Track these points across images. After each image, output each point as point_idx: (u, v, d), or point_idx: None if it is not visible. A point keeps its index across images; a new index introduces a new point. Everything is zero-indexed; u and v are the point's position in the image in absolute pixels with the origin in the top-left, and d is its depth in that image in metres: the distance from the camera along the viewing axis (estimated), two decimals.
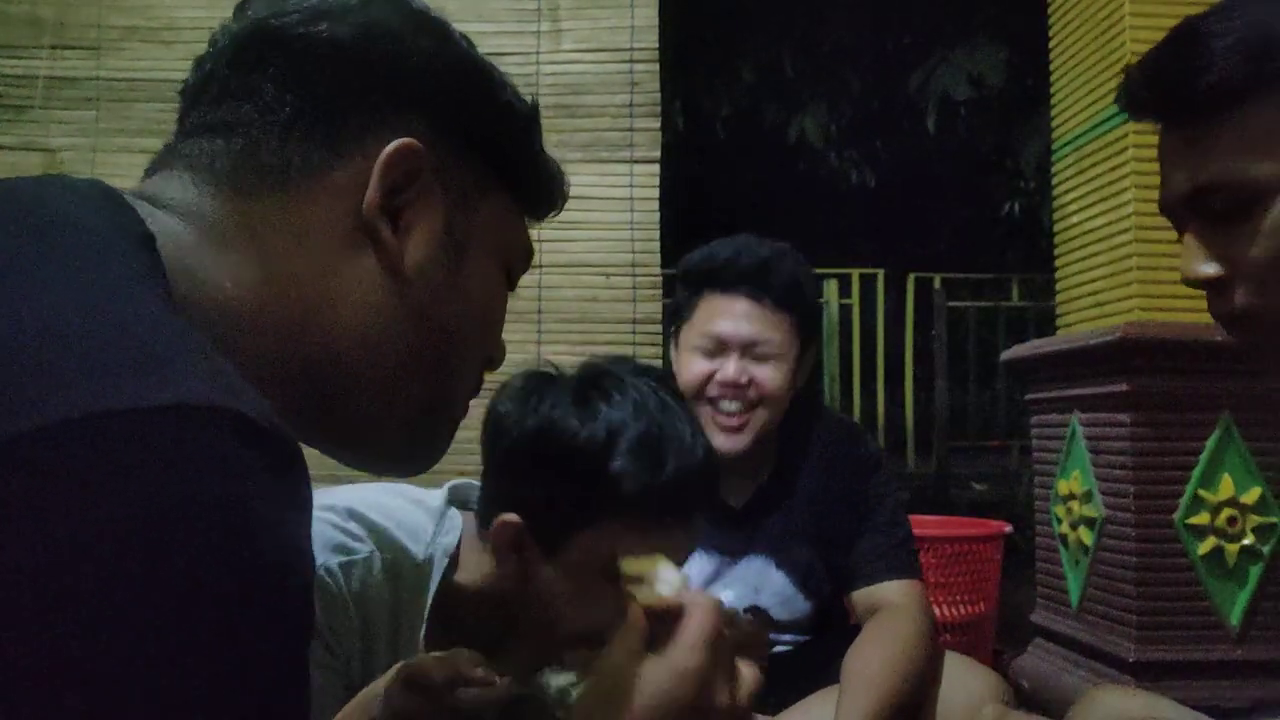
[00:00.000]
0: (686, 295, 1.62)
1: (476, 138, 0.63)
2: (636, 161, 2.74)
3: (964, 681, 1.52)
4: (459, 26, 0.65)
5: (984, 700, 1.42)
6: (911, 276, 6.04)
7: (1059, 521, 2.46)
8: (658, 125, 2.80)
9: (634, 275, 2.77)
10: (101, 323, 0.40)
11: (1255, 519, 2.12)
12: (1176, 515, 2.14)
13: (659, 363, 1.66)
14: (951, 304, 5.81)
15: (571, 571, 0.98)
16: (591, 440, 0.97)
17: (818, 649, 1.61)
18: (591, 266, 2.76)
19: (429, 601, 1.02)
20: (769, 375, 1.54)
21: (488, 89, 0.64)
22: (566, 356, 2.66)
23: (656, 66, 2.80)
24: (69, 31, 2.88)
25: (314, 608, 0.42)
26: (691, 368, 1.55)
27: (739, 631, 0.99)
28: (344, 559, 0.99)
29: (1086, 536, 2.32)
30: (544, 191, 0.69)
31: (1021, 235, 6.94)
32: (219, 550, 0.36)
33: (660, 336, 2.90)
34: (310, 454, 0.45)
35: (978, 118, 7.02)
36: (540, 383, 1.02)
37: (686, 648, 0.64)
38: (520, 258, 0.68)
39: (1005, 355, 2.79)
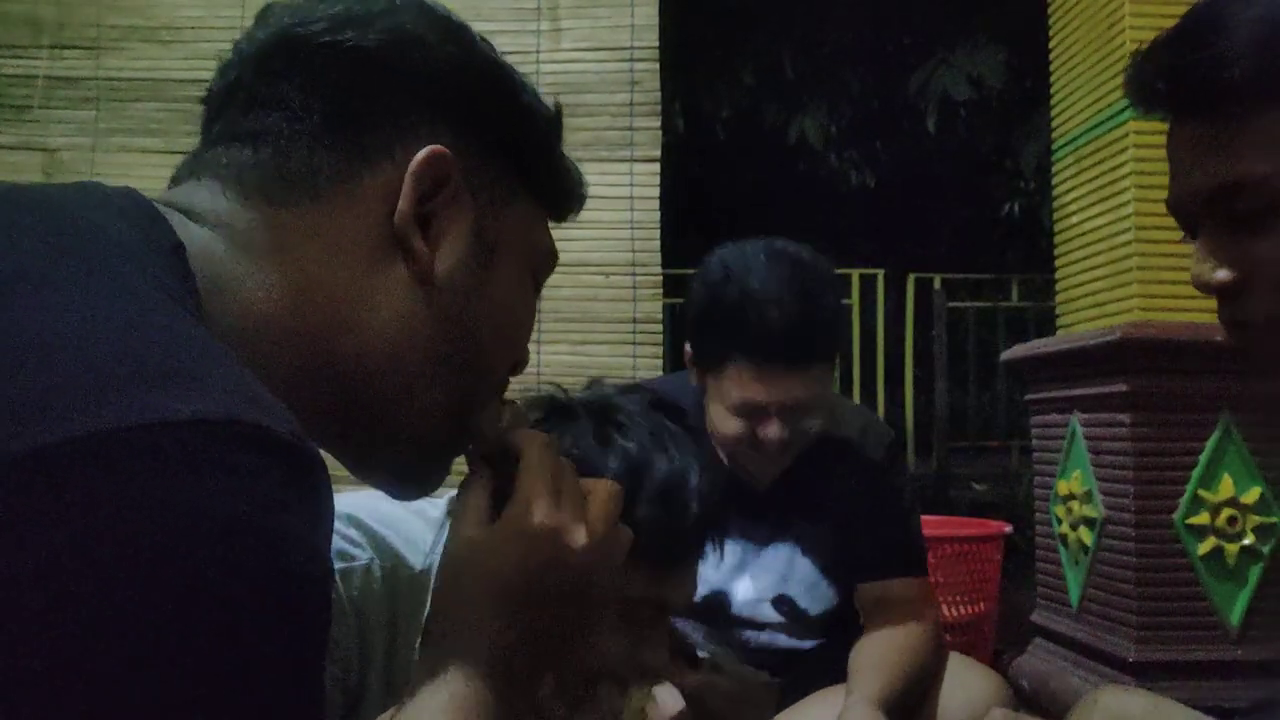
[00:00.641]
0: (712, 343, 1.44)
1: (501, 142, 0.63)
2: (636, 161, 2.74)
3: (965, 682, 1.52)
4: None
5: (985, 701, 1.42)
6: (911, 277, 6.04)
7: (1059, 521, 2.46)
8: (658, 124, 2.80)
9: (634, 275, 2.77)
10: (128, 335, 0.40)
11: (1255, 519, 2.12)
12: (1176, 515, 2.14)
13: (659, 362, 1.59)
14: (951, 304, 5.81)
15: None
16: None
17: (834, 650, 1.59)
18: (591, 266, 2.76)
19: (426, 614, 1.01)
20: (810, 424, 1.46)
21: (511, 93, 0.64)
22: (567, 356, 2.68)
23: (656, 66, 2.80)
24: (68, 31, 2.88)
25: (331, 621, 0.42)
26: (728, 426, 1.44)
27: (742, 683, 1.00)
28: (343, 565, 0.99)
29: (1086, 536, 2.32)
30: (566, 193, 0.69)
31: (1021, 235, 6.94)
32: (239, 563, 0.36)
33: (660, 336, 2.90)
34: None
35: (978, 118, 7.01)
36: (560, 418, 1.01)
37: (522, 501, 0.60)
38: (545, 261, 0.68)
39: (1005, 355, 2.79)
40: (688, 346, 1.51)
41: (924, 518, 3.19)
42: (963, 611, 2.86)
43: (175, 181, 0.59)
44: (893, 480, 1.63)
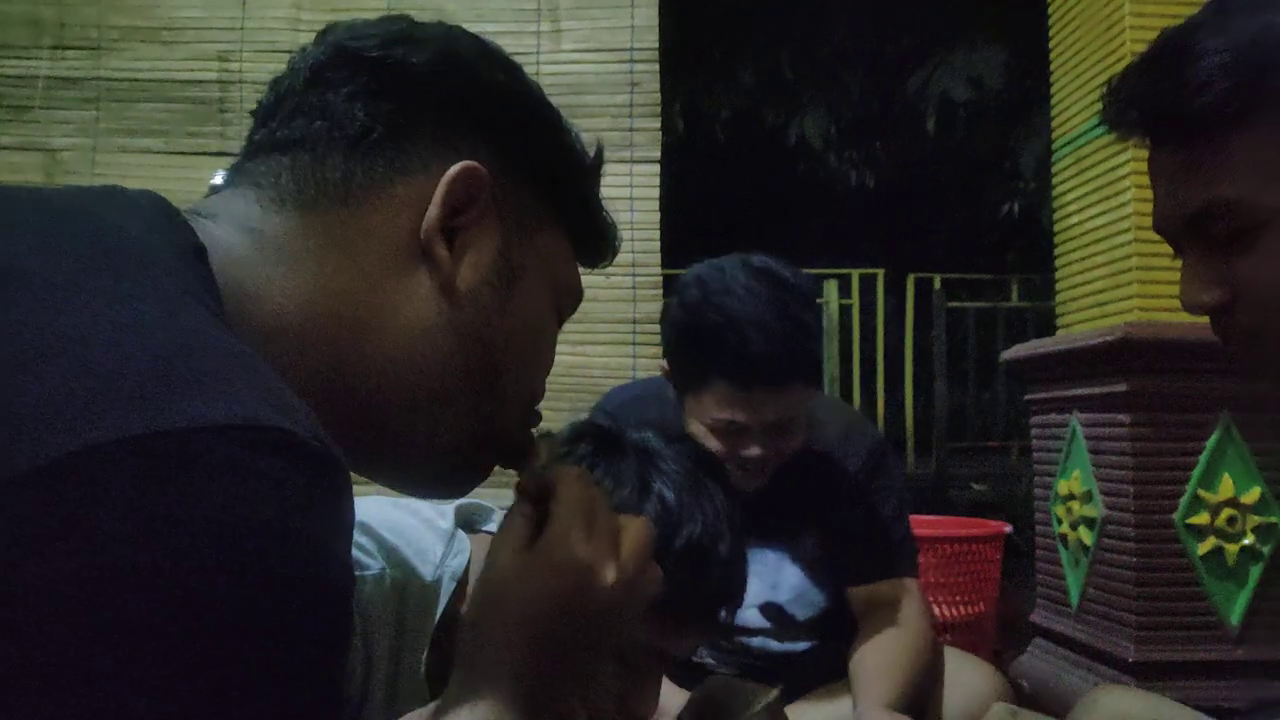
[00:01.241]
0: (692, 361, 1.42)
1: (538, 174, 0.64)
2: (636, 161, 2.74)
3: (963, 676, 1.52)
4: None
5: (984, 694, 1.42)
6: (911, 277, 6.04)
7: (1059, 521, 2.46)
8: (657, 125, 2.80)
9: (634, 275, 2.77)
10: (154, 338, 0.40)
11: (1255, 519, 2.12)
12: (1176, 515, 2.14)
13: (659, 363, 1.58)
14: (951, 304, 5.81)
15: None
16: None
17: (826, 652, 1.60)
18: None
19: (434, 625, 1.02)
20: (791, 441, 1.45)
21: (553, 130, 0.65)
22: (567, 357, 2.68)
23: (656, 67, 2.80)
24: (69, 32, 2.88)
25: (352, 627, 0.42)
26: (707, 445, 1.39)
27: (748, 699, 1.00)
28: (355, 573, 0.99)
29: (1086, 536, 2.32)
30: (598, 240, 0.70)
31: (1021, 235, 6.95)
32: (263, 569, 0.37)
33: (659, 336, 2.90)
34: None
35: (977, 119, 7.02)
36: (601, 450, 1.01)
37: (555, 534, 0.61)
38: (570, 298, 0.68)
39: (1005, 355, 2.79)
40: (665, 362, 1.50)
41: (924, 518, 3.22)
42: (963, 611, 2.86)
43: (216, 189, 0.60)
44: (879, 482, 1.61)
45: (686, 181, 5.49)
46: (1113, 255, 2.34)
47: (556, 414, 2.32)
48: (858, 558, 1.57)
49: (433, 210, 0.58)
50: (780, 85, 6.95)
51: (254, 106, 0.63)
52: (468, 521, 1.12)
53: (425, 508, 1.09)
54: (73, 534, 0.34)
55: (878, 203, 7.77)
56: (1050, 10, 2.71)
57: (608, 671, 0.88)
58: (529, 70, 0.65)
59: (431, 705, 0.90)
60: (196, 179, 2.62)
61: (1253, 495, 2.12)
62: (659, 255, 2.81)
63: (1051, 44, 2.70)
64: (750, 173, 7.67)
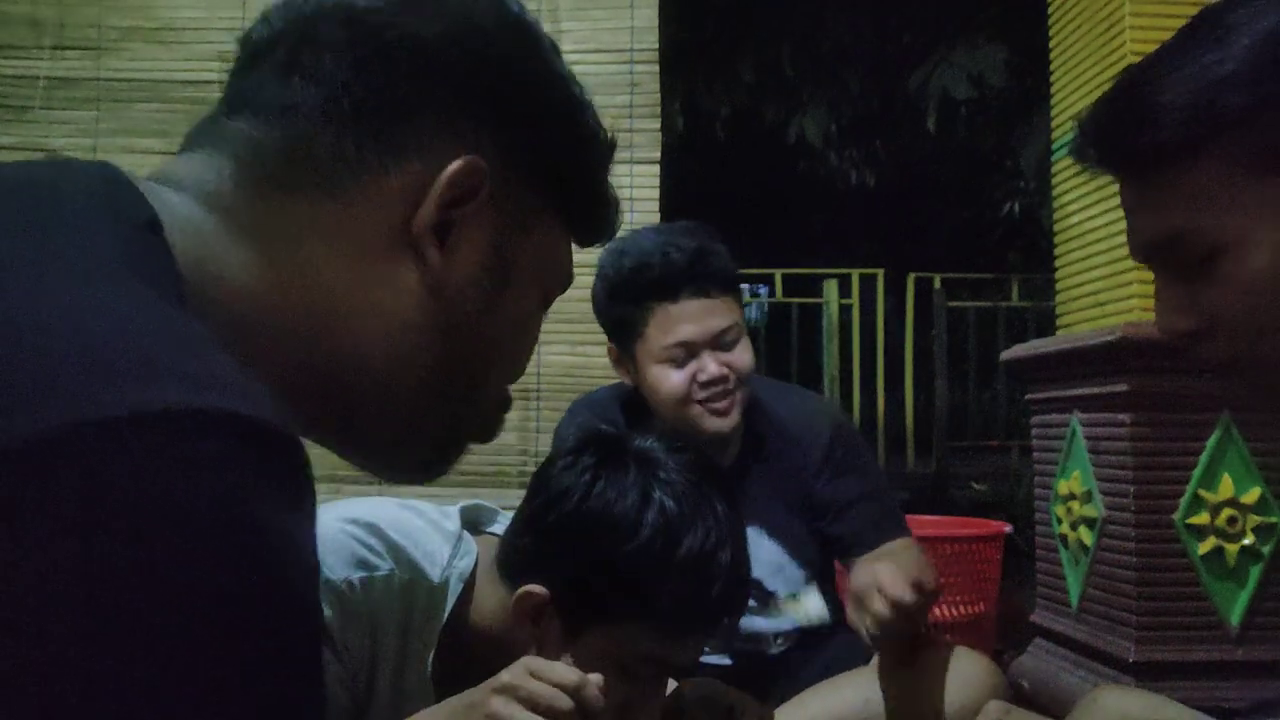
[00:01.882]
0: (628, 309, 1.58)
1: (546, 161, 0.59)
2: (636, 162, 2.74)
3: (960, 669, 1.52)
4: None
5: (981, 687, 1.43)
6: (911, 276, 6.04)
7: (1059, 521, 2.46)
8: (657, 126, 2.80)
9: None
10: (91, 320, 0.37)
11: (1255, 519, 2.12)
12: (1176, 515, 2.14)
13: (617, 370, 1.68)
14: (951, 304, 5.81)
15: (586, 655, 0.98)
16: (649, 549, 0.97)
17: (815, 651, 1.62)
18: (592, 267, 2.75)
19: (441, 626, 1.02)
20: (741, 357, 1.57)
21: (570, 114, 0.61)
22: (567, 357, 2.68)
23: (656, 68, 2.80)
24: (69, 32, 2.88)
25: (320, 607, 0.40)
26: (670, 381, 1.56)
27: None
28: (364, 574, 0.99)
29: (1086, 536, 2.32)
30: (600, 223, 0.66)
31: (1021, 235, 6.94)
32: (219, 557, 0.35)
33: None
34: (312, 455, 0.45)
35: (978, 118, 7.01)
36: (604, 460, 1.02)
37: None
38: (560, 282, 0.65)
39: (1005, 355, 2.79)
40: (611, 345, 1.64)
41: (924, 518, 3.22)
42: (963, 611, 2.86)
43: (187, 145, 0.56)
44: (852, 454, 1.69)
45: (686, 180, 5.48)
46: (1113, 255, 2.34)
47: (556, 414, 2.32)
48: (856, 532, 1.62)
49: (427, 208, 0.54)
50: (780, 83, 6.94)
51: None
52: (473, 523, 1.13)
53: (431, 509, 1.10)
54: (16, 530, 0.32)
55: (878, 202, 7.77)
56: (1050, 10, 2.71)
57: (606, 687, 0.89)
58: None
59: (436, 706, 0.91)
60: None
61: (1253, 495, 2.12)
62: None
63: (1051, 44, 2.70)
64: (750, 171, 7.67)
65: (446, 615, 1.02)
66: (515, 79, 0.58)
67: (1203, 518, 2.13)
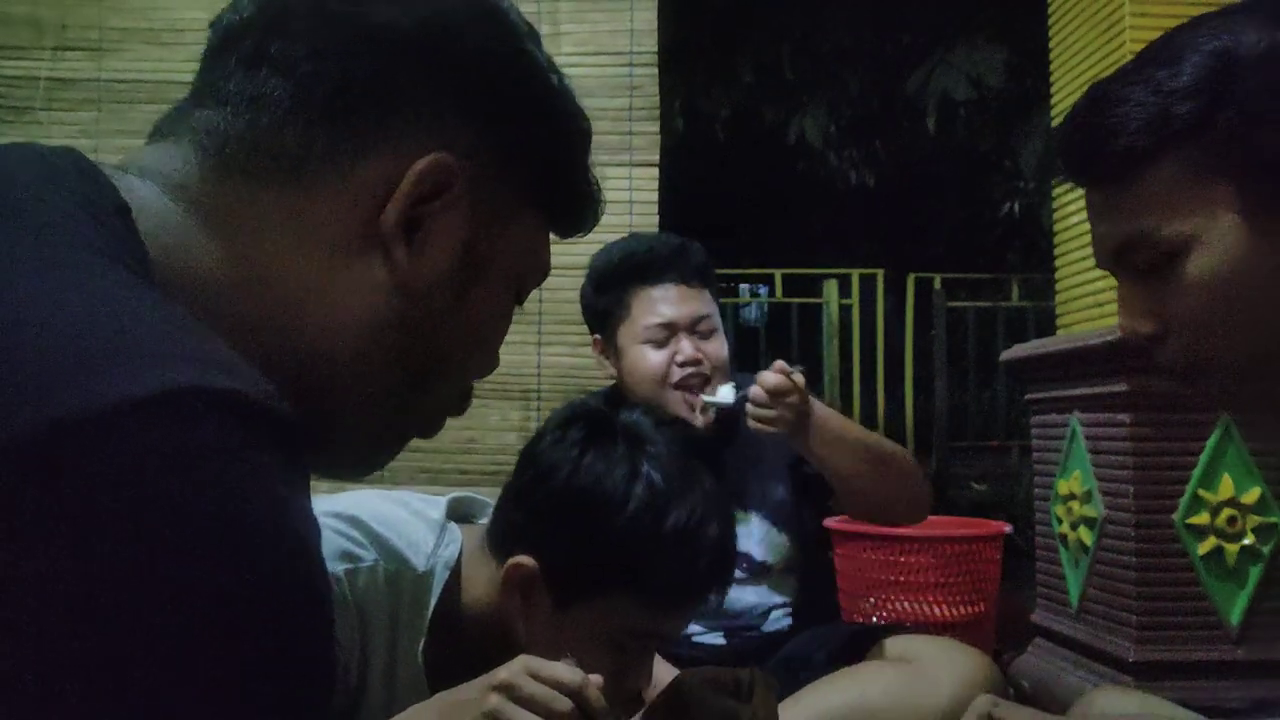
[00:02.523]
0: (614, 295, 1.72)
1: (523, 155, 0.58)
2: (635, 165, 2.74)
3: (955, 663, 1.53)
4: None
5: (976, 681, 1.44)
6: (911, 277, 6.04)
7: (1059, 521, 2.47)
8: (656, 129, 2.80)
9: None
10: (74, 307, 0.37)
11: (1255, 519, 2.12)
12: (1176, 515, 2.14)
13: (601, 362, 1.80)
14: (951, 304, 5.81)
15: (574, 628, 0.99)
16: (636, 522, 0.97)
17: (804, 636, 1.67)
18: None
19: (429, 615, 1.02)
20: (717, 348, 1.68)
21: (548, 106, 0.59)
22: (566, 358, 2.68)
23: (655, 70, 2.80)
24: (70, 33, 2.88)
25: (329, 578, 0.39)
26: (649, 360, 1.66)
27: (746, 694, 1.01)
28: (349, 566, 0.99)
29: (1086, 536, 2.32)
30: (580, 214, 0.64)
31: (1021, 235, 6.94)
32: (226, 540, 0.34)
33: None
34: None
35: (977, 118, 7.01)
36: (592, 435, 1.02)
37: None
38: (535, 276, 0.63)
39: (1005, 355, 2.79)
40: (596, 338, 1.77)
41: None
42: (963, 611, 2.87)
43: (155, 134, 0.54)
44: None
45: (686, 180, 5.48)
46: None
47: None
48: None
49: (394, 203, 0.53)
50: (780, 83, 6.93)
51: None
52: (464, 515, 1.13)
53: (415, 499, 1.10)
54: (16, 527, 0.32)
55: (878, 202, 7.76)
56: (1050, 10, 2.71)
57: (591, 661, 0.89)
58: None
59: (429, 700, 0.90)
60: None
61: (1253, 495, 2.12)
62: None
63: (1051, 44, 2.70)
64: (750, 172, 7.67)
65: (434, 603, 1.02)
66: (490, 70, 0.56)
67: (1203, 518, 2.13)
